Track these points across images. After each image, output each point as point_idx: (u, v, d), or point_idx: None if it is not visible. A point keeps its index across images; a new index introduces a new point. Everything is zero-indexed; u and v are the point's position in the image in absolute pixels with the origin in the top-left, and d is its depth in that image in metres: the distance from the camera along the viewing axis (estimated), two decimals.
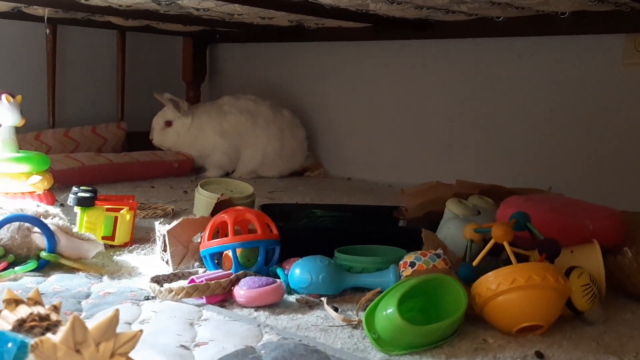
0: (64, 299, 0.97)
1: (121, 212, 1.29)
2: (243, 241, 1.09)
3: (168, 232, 1.14)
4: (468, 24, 2.04)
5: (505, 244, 0.98)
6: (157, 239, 1.20)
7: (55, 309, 0.63)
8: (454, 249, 1.13)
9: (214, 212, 1.22)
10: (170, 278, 1.06)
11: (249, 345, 0.82)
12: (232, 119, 2.37)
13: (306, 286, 1.03)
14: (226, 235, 1.11)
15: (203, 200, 1.41)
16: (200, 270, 1.11)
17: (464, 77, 2.20)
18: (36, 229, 1.12)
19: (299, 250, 1.13)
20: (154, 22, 2.36)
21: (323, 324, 0.93)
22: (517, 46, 2.07)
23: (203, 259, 1.12)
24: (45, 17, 2.08)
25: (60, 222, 1.15)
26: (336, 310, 0.97)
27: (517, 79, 2.10)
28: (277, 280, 1.01)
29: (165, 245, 1.16)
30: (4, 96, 1.39)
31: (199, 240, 1.15)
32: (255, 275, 1.03)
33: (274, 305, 0.99)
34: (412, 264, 1.02)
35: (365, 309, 0.90)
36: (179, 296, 0.97)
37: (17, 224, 1.13)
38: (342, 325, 0.92)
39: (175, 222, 1.16)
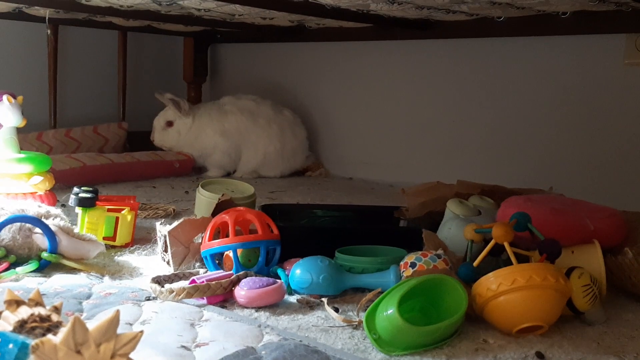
0: (65, 299, 0.98)
1: (122, 212, 1.30)
2: (244, 241, 1.09)
3: (169, 232, 1.15)
4: (469, 24, 2.04)
5: (506, 245, 0.98)
6: (158, 239, 1.20)
7: (56, 309, 0.63)
8: (454, 249, 1.13)
9: (214, 213, 1.22)
10: (171, 278, 1.06)
11: (249, 346, 0.83)
12: (233, 118, 2.37)
13: (307, 286, 1.03)
14: (227, 236, 1.11)
15: (204, 200, 1.41)
16: (201, 270, 1.11)
17: (465, 77, 2.20)
18: (37, 230, 1.12)
19: (299, 251, 1.13)
20: (155, 23, 2.36)
21: (324, 324, 0.93)
22: (518, 46, 2.07)
23: (204, 259, 1.12)
24: (47, 18, 2.08)
25: (62, 223, 1.15)
26: (337, 310, 0.97)
27: (517, 79, 2.10)
28: (277, 280, 1.01)
29: (166, 246, 1.16)
30: (5, 97, 1.39)
31: (200, 241, 1.15)
32: (256, 276, 1.03)
33: (275, 306, 0.99)
34: (413, 265, 1.02)
35: (365, 310, 0.90)
36: (180, 297, 0.97)
37: (18, 224, 1.13)
38: (342, 326, 0.92)
39: (176, 223, 1.16)
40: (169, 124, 2.37)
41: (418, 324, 0.85)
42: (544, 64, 2.04)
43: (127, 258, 1.24)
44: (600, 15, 1.81)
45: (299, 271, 1.04)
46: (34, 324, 0.59)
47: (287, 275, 1.07)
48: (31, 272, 1.10)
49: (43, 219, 1.14)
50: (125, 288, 1.05)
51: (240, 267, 1.09)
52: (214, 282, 0.98)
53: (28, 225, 1.13)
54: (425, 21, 2.08)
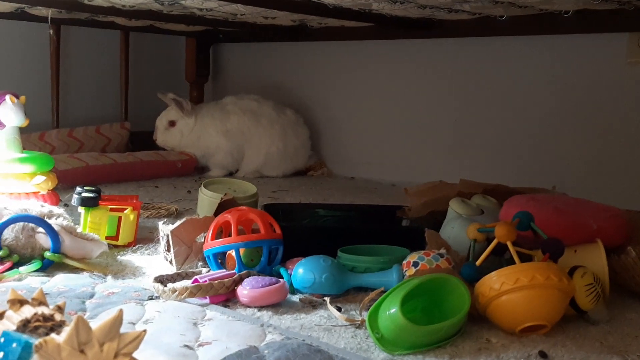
0: (68, 299, 0.98)
1: (125, 212, 1.30)
2: (246, 241, 1.09)
3: (172, 232, 1.15)
4: (471, 23, 2.03)
5: (509, 244, 0.98)
6: (161, 238, 1.20)
7: (60, 309, 0.63)
8: (457, 248, 1.13)
9: (217, 212, 1.22)
10: (173, 278, 1.07)
11: (252, 345, 0.83)
12: (235, 118, 2.37)
13: (309, 286, 1.03)
14: (229, 235, 1.11)
15: (206, 200, 1.41)
16: (204, 270, 1.11)
17: (467, 77, 2.20)
18: (40, 229, 1.13)
19: (302, 250, 1.13)
20: (157, 22, 2.36)
21: (326, 323, 0.93)
22: (520, 45, 2.07)
23: (206, 258, 1.12)
24: (49, 18, 2.09)
25: (64, 222, 1.15)
26: (339, 309, 0.97)
27: (520, 78, 2.09)
28: (280, 280, 1.01)
29: (168, 245, 1.16)
30: (7, 97, 1.39)
31: (203, 240, 1.15)
32: (258, 275, 1.03)
33: (277, 305, 0.99)
34: (415, 264, 1.02)
35: (368, 309, 0.90)
36: (183, 296, 0.97)
37: (21, 224, 1.13)
38: (345, 325, 0.92)
39: (178, 222, 1.17)
40: (172, 123, 2.37)
41: (421, 324, 0.85)
42: (546, 63, 2.03)
43: (130, 257, 1.24)
44: (603, 14, 1.80)
45: (302, 270, 1.04)
46: (37, 324, 0.60)
47: (290, 275, 1.06)
48: (34, 271, 1.10)
49: (46, 219, 1.14)
50: (128, 287, 1.05)
51: (243, 267, 1.09)
52: (216, 282, 0.98)
53: (31, 224, 1.13)
54: (428, 20, 2.08)
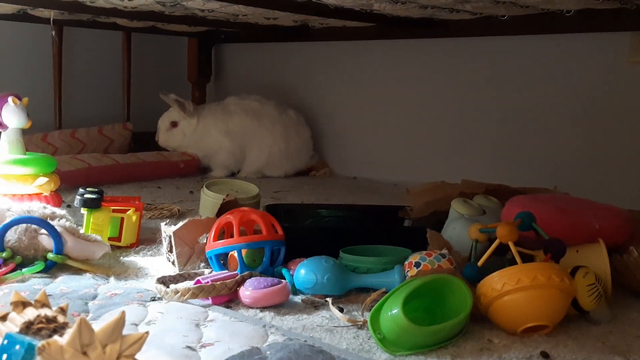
0: (71, 300, 0.98)
1: (127, 213, 1.30)
2: (248, 242, 1.10)
3: (174, 233, 1.15)
4: (473, 23, 2.03)
5: (510, 244, 0.98)
6: (163, 239, 1.21)
7: (62, 311, 0.63)
8: (459, 248, 1.13)
9: (219, 213, 1.22)
10: (176, 279, 1.07)
11: (254, 346, 0.83)
12: (237, 119, 2.38)
13: (311, 287, 1.03)
14: (232, 236, 1.11)
15: (209, 201, 1.41)
16: (206, 271, 1.11)
17: (469, 76, 2.20)
18: (43, 231, 1.13)
19: (304, 251, 1.13)
20: (159, 23, 2.36)
21: (328, 324, 0.93)
22: (522, 45, 2.07)
23: (209, 259, 1.13)
24: (51, 19, 2.09)
25: (67, 224, 1.16)
26: (341, 310, 0.97)
27: (522, 78, 2.09)
28: (282, 280, 1.02)
29: (171, 246, 1.16)
30: (10, 98, 1.40)
31: (205, 241, 1.15)
32: (260, 276, 1.03)
33: (280, 306, 0.99)
34: (417, 264, 1.02)
35: (370, 310, 0.90)
36: (185, 297, 0.98)
37: (24, 225, 1.13)
38: (347, 326, 0.93)
39: (181, 223, 1.17)
40: (174, 124, 2.38)
41: (423, 324, 0.85)
42: (548, 63, 2.03)
43: (133, 259, 1.24)
44: (605, 13, 1.80)
45: (304, 271, 1.04)
46: (40, 325, 0.60)
47: (292, 276, 1.07)
48: (37, 273, 1.10)
49: (49, 220, 1.14)
50: (130, 289, 1.05)
51: (245, 268, 1.09)
52: (218, 283, 0.98)
53: (34, 226, 1.14)
54: (429, 20, 2.07)
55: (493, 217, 1.24)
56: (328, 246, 1.13)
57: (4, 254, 1.11)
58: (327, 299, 1.01)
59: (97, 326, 0.58)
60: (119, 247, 1.29)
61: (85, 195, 1.28)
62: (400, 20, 2.02)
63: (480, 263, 1.00)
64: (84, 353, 0.56)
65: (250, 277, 1.02)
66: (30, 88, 2.30)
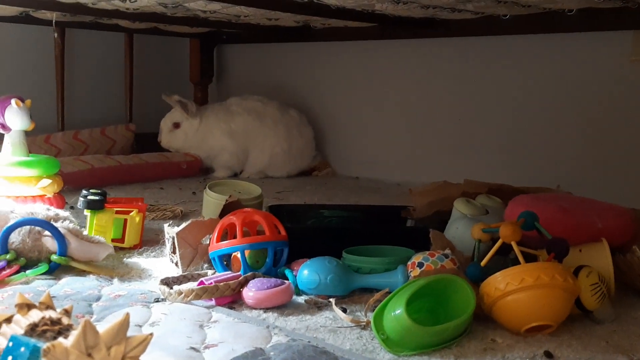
0: (75, 301, 0.98)
1: (130, 214, 1.30)
2: (251, 243, 1.10)
3: (177, 234, 1.15)
4: (474, 23, 2.03)
5: (513, 244, 0.98)
6: (167, 241, 1.21)
7: (67, 312, 0.63)
8: (462, 248, 1.13)
9: (222, 214, 1.22)
10: (179, 280, 1.07)
11: (258, 347, 0.83)
12: (239, 119, 2.38)
13: (314, 287, 1.04)
14: (234, 237, 1.12)
15: (211, 202, 1.42)
16: (209, 272, 1.12)
17: (471, 76, 2.20)
18: (47, 233, 1.13)
19: (307, 251, 1.13)
20: (161, 24, 2.37)
21: (332, 324, 0.93)
22: (523, 44, 2.07)
23: (212, 260, 1.13)
24: (54, 21, 2.10)
25: (71, 225, 1.16)
26: (345, 311, 0.97)
27: (523, 77, 2.09)
28: (285, 281, 1.02)
29: (174, 247, 1.17)
30: (13, 101, 1.40)
31: (208, 242, 1.15)
32: (263, 277, 1.03)
33: (283, 307, 0.99)
34: (420, 265, 1.02)
35: (373, 310, 0.90)
36: (189, 298, 0.98)
37: (27, 227, 1.14)
38: (350, 326, 0.93)
39: (184, 224, 1.17)
40: (176, 125, 2.38)
41: (426, 324, 0.85)
42: (550, 62, 2.03)
43: (136, 260, 1.25)
44: (606, 12, 1.80)
45: (307, 272, 1.05)
46: (45, 327, 0.60)
47: (295, 276, 1.07)
48: (41, 274, 1.11)
49: (52, 222, 1.15)
50: (134, 290, 1.06)
51: (248, 268, 1.09)
52: (222, 284, 0.99)
53: (37, 228, 1.14)
54: (431, 20, 2.07)
55: (496, 216, 1.24)
56: (331, 247, 1.13)
57: (7, 256, 1.11)
58: (331, 299, 1.01)
59: (102, 328, 0.58)
60: (122, 249, 1.29)
61: (89, 197, 1.28)
62: (402, 20, 2.02)
63: (483, 263, 1.00)
64: (89, 355, 0.56)
65: (253, 278, 1.02)
66: (33, 90, 2.30)
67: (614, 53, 1.90)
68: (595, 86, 1.95)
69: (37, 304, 0.63)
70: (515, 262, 0.96)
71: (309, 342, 0.86)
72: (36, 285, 1.06)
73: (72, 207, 1.60)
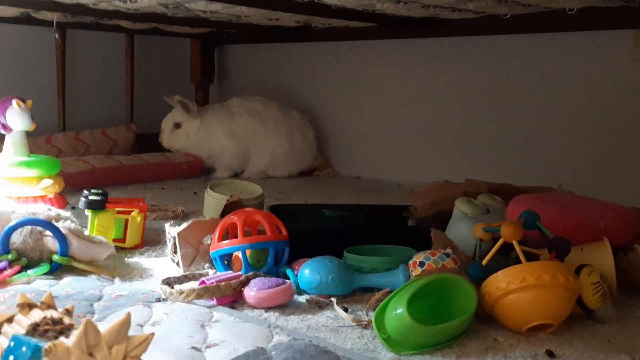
0: (76, 301, 0.98)
1: (132, 214, 1.30)
2: (252, 242, 1.10)
3: (178, 234, 1.15)
4: (475, 22, 2.03)
5: (515, 243, 0.98)
6: (168, 240, 1.21)
7: (68, 312, 0.64)
8: (463, 248, 1.13)
9: (223, 214, 1.22)
10: (181, 280, 1.07)
11: (259, 347, 0.83)
12: (241, 120, 2.38)
13: (316, 286, 1.04)
14: (236, 237, 1.12)
15: (213, 201, 1.42)
16: (211, 271, 1.12)
17: (472, 75, 2.20)
18: (48, 233, 1.13)
19: (308, 251, 1.13)
20: (162, 25, 2.37)
21: (333, 324, 0.93)
22: (524, 43, 2.07)
23: (213, 260, 1.13)
24: (55, 22, 2.10)
25: (72, 226, 1.16)
26: (346, 310, 0.97)
27: (524, 77, 2.09)
28: (286, 281, 1.02)
29: (175, 247, 1.17)
30: (14, 101, 1.40)
31: (209, 242, 1.15)
32: (265, 276, 1.03)
33: (284, 306, 0.99)
34: (422, 264, 1.02)
35: (375, 309, 0.90)
36: (190, 298, 0.98)
37: (29, 227, 1.14)
38: (352, 326, 0.93)
39: (185, 224, 1.17)
40: (177, 125, 2.38)
41: (427, 324, 0.85)
42: (551, 61, 2.03)
43: (137, 260, 1.25)
44: (607, 11, 1.79)
45: (308, 271, 1.05)
46: (46, 327, 0.60)
47: (296, 276, 1.07)
48: (42, 274, 1.11)
49: (54, 222, 1.15)
50: (135, 290, 1.06)
51: (250, 268, 1.09)
52: (223, 283, 0.99)
53: (39, 228, 1.14)
54: (431, 19, 2.07)
55: (497, 216, 1.24)
56: (332, 246, 1.13)
57: (9, 256, 1.11)
58: (332, 298, 1.01)
59: (103, 327, 0.58)
60: (123, 249, 1.30)
61: (90, 197, 1.29)
62: (403, 20, 2.02)
63: (484, 262, 1.00)
64: (90, 354, 0.56)
65: (254, 278, 1.02)
66: (34, 90, 2.31)
67: (615, 52, 1.90)
68: (596, 85, 1.95)
69: (38, 304, 0.64)
70: (517, 261, 0.96)
71: (310, 341, 0.86)
72: (37, 286, 1.06)
73: (73, 207, 1.60)
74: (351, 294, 1.06)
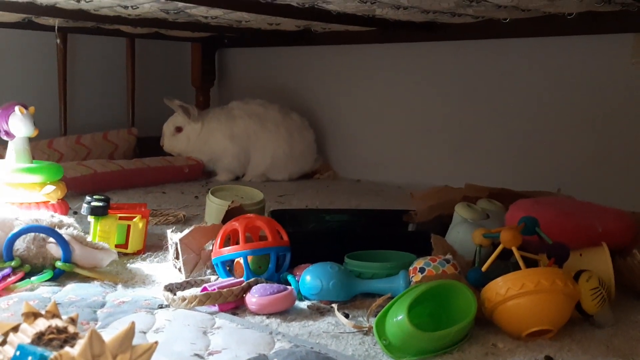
0: (79, 308, 0.99)
1: (134, 220, 1.31)
2: (254, 248, 1.10)
3: (180, 240, 1.16)
4: (474, 26, 2.04)
5: (514, 249, 0.99)
6: (170, 247, 1.22)
7: (73, 321, 0.64)
8: (463, 252, 1.13)
9: (225, 220, 1.23)
10: (183, 286, 1.08)
11: (261, 353, 0.84)
12: (241, 123, 2.39)
13: (317, 293, 1.04)
14: (237, 243, 1.12)
15: (214, 207, 1.42)
16: (212, 277, 1.12)
17: (471, 79, 2.21)
18: (51, 239, 1.14)
19: (309, 256, 1.14)
20: (163, 29, 2.38)
21: (334, 330, 0.94)
22: (524, 47, 2.07)
23: (215, 266, 1.14)
24: (56, 27, 2.11)
25: (75, 232, 1.17)
26: (347, 316, 0.98)
27: (524, 80, 2.10)
28: (288, 287, 1.02)
29: (177, 253, 1.17)
30: (17, 108, 1.41)
31: (211, 248, 1.16)
32: (266, 283, 1.04)
33: (286, 312, 1.00)
34: (422, 270, 1.03)
35: (375, 315, 0.91)
36: (192, 304, 0.99)
37: (32, 234, 1.15)
38: (353, 332, 0.93)
39: (187, 230, 1.18)
40: (178, 129, 2.39)
41: (428, 330, 0.86)
42: (551, 65, 2.03)
43: (139, 265, 1.26)
44: (607, 15, 1.80)
45: (309, 277, 1.05)
46: (51, 336, 0.61)
47: (298, 282, 1.08)
48: (46, 281, 1.11)
49: (56, 229, 1.15)
50: (138, 296, 1.06)
51: (251, 274, 1.10)
52: (225, 290, 0.99)
53: (42, 235, 1.15)
54: (431, 23, 2.08)
55: (497, 220, 1.25)
56: (333, 251, 1.14)
57: (12, 263, 1.12)
58: (333, 304, 1.02)
59: (107, 334, 0.59)
60: (125, 254, 1.30)
61: (92, 203, 1.29)
62: (403, 25, 2.03)
63: (484, 268, 1.00)
64: None
65: (256, 284, 1.03)
66: (36, 95, 2.32)
67: (614, 56, 1.91)
68: (596, 89, 1.96)
69: (43, 313, 0.64)
70: (516, 266, 0.97)
71: (311, 348, 0.86)
72: (41, 292, 1.07)
73: (75, 212, 1.61)
74: (352, 299, 1.07)
